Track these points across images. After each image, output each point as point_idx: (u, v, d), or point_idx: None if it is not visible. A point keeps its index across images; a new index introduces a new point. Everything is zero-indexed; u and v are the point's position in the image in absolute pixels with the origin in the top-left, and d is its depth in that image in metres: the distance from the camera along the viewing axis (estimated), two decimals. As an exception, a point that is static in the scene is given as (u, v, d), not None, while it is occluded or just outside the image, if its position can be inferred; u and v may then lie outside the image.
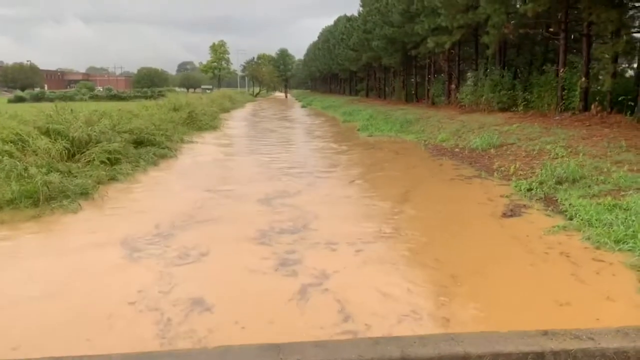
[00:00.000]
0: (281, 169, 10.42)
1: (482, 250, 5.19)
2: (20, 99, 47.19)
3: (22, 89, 65.63)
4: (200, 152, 13.26)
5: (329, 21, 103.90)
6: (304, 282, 4.42)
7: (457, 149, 12.37)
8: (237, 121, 26.43)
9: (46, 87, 74.19)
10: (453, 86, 22.47)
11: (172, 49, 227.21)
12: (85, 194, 7.60)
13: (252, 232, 5.88)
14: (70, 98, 45.54)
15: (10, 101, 42.12)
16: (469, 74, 22.52)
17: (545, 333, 3.02)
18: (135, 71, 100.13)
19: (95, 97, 51.09)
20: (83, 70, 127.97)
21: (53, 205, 6.92)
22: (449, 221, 6.33)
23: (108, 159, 9.43)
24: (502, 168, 9.35)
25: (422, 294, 4.20)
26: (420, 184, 8.91)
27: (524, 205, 6.91)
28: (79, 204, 7.14)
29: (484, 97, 17.97)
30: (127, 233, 5.83)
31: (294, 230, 6.03)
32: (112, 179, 8.90)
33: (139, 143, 11.71)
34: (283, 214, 6.71)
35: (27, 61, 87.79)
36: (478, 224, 6.17)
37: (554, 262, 4.77)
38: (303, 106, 43.43)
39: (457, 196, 7.92)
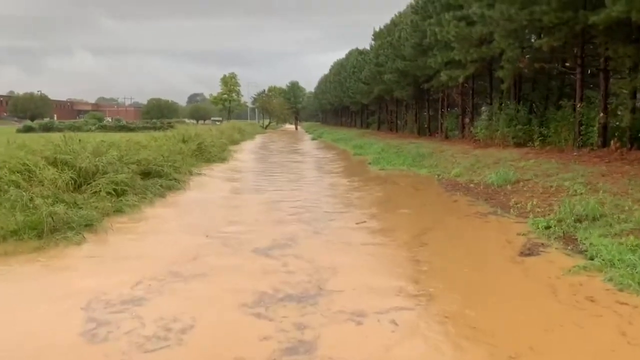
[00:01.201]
0: (290, 210, 10.16)
1: (520, 307, 4.90)
2: (29, 129, 48.03)
3: (32, 119, 66.91)
4: (207, 186, 13.29)
5: (341, 55, 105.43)
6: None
7: (472, 185, 12.36)
8: (246, 154, 26.62)
9: (55, 117, 75.58)
10: (467, 120, 22.61)
11: (182, 81, 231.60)
12: (89, 225, 7.67)
13: (253, 296, 4.97)
14: (79, 128, 46.34)
15: (19, 131, 42.87)
16: (483, 107, 22.56)
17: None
18: (145, 102, 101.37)
19: (104, 128, 51.80)
20: (93, 101, 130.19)
21: (57, 237, 6.98)
22: (472, 269, 6.13)
23: (114, 190, 9.50)
24: (519, 205, 9.28)
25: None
26: (436, 223, 8.77)
27: (542, 244, 6.82)
28: (83, 236, 7.22)
29: (499, 132, 18.06)
30: (103, 291, 5.09)
31: (304, 294, 5.12)
32: (118, 210, 8.93)
33: (146, 174, 11.82)
34: (292, 270, 5.96)
35: (38, 91, 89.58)
36: (502, 269, 6.10)
37: (596, 316, 4.57)
38: (313, 139, 44.03)
39: (475, 236, 7.85)
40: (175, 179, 12.49)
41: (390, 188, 13.24)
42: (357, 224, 8.75)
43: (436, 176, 14.64)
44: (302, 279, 5.58)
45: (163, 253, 6.75)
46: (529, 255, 6.43)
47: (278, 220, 9.09)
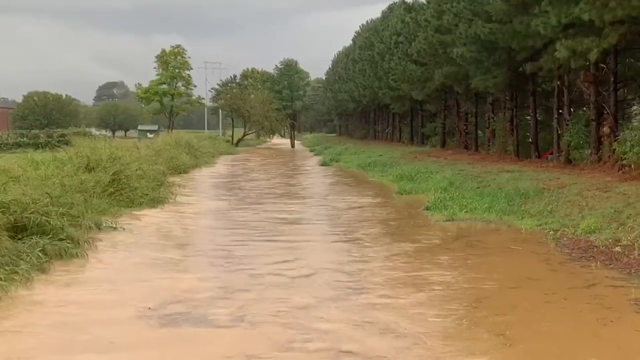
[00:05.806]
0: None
1: None
2: None
3: None
4: (121, 263, 11.41)
5: (374, 12, 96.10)
6: None
7: (617, 248, 11.20)
8: (198, 195, 23.38)
9: None
10: (606, 129, 20.54)
11: (85, 62, 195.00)
12: None
13: None
14: None
15: None
16: (635, 107, 21.26)
17: None
18: (20, 99, 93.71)
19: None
20: None
21: None
22: None
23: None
24: None
25: None
26: (565, 340, 7.42)
27: None
28: None
29: (666, 151, 17.94)
30: None
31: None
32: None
33: (19, 230, 10.96)
34: None
35: None
36: None
37: None
38: (324, 163, 40.77)
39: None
40: (71, 238, 11.43)
41: (470, 262, 11.56)
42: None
43: (551, 232, 13.35)
44: None
45: None
46: None
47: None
